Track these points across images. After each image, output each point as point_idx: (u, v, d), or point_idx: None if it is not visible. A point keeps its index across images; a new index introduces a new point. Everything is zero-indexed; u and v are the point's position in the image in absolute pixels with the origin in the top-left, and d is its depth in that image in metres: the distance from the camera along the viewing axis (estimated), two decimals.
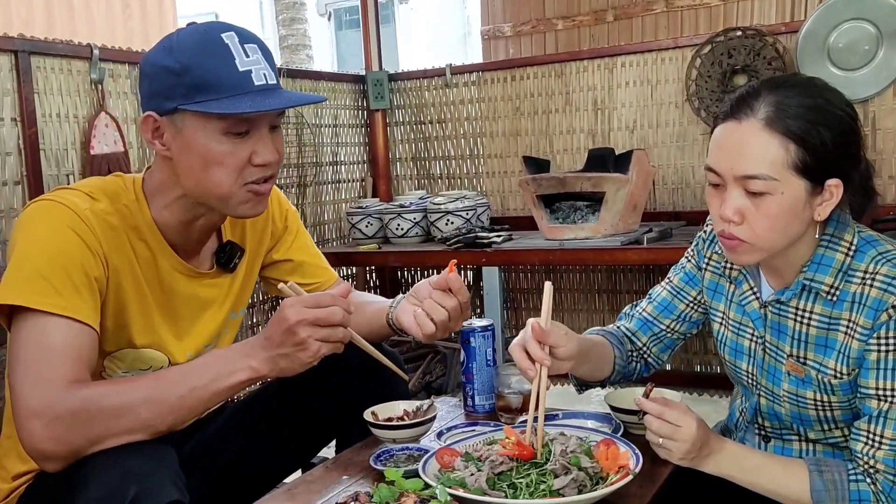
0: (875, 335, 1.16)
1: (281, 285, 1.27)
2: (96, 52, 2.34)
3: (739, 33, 2.85)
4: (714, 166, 1.18)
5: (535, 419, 1.20)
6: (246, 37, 1.26)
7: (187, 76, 1.21)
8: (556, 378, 3.40)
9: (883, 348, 1.16)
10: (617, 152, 2.77)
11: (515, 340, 1.26)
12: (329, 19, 14.73)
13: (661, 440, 1.18)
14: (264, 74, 1.25)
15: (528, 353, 1.22)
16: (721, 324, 1.40)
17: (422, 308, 1.40)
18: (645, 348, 1.49)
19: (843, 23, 2.67)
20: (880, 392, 1.16)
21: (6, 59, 2.14)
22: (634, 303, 1.54)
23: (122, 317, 1.32)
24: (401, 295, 1.52)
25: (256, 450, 1.56)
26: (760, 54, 2.79)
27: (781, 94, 1.15)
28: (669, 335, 1.48)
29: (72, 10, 4.49)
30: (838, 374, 1.21)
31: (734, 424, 1.43)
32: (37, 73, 2.21)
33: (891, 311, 1.14)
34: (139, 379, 1.27)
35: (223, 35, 1.24)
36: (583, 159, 2.89)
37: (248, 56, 1.24)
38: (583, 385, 1.49)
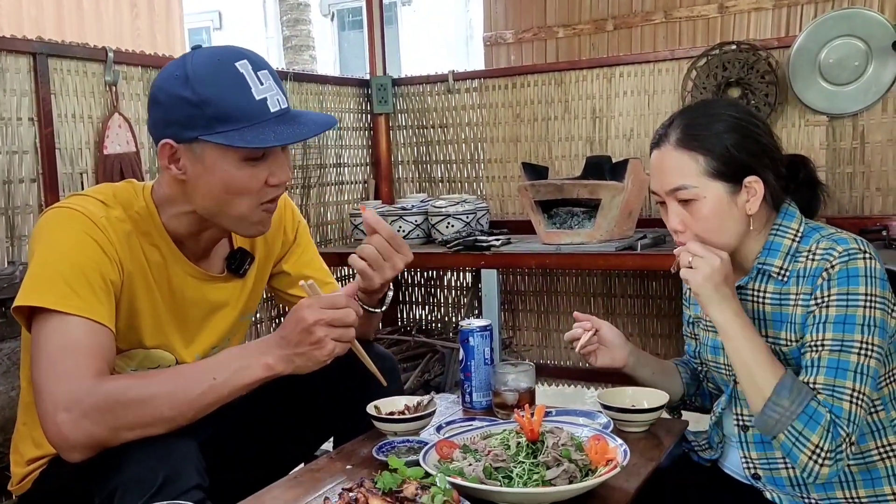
0: (813, 297, 1.29)
1: (301, 282, 1.31)
2: (111, 54, 2.40)
3: (734, 47, 2.93)
4: (652, 188, 1.41)
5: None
6: (258, 63, 1.30)
7: (208, 108, 1.24)
8: (551, 378, 3.48)
9: (818, 304, 1.29)
10: (614, 160, 2.85)
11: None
12: (332, 20, 14.79)
13: (691, 258, 1.31)
14: (277, 100, 1.30)
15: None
16: (704, 329, 1.52)
17: (355, 254, 1.43)
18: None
19: (833, 39, 2.74)
20: (813, 344, 1.28)
21: (25, 61, 2.20)
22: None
23: (134, 319, 1.37)
24: None
25: (260, 443, 1.62)
26: (754, 68, 2.87)
27: (687, 117, 1.37)
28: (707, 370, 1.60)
29: (81, 9, 4.56)
30: (787, 342, 1.34)
31: (712, 425, 1.51)
32: (53, 75, 2.27)
33: (825, 273, 1.27)
34: (160, 373, 1.30)
35: (237, 64, 1.27)
36: (581, 166, 2.97)
37: (262, 84, 1.28)
38: (673, 409, 1.65)
